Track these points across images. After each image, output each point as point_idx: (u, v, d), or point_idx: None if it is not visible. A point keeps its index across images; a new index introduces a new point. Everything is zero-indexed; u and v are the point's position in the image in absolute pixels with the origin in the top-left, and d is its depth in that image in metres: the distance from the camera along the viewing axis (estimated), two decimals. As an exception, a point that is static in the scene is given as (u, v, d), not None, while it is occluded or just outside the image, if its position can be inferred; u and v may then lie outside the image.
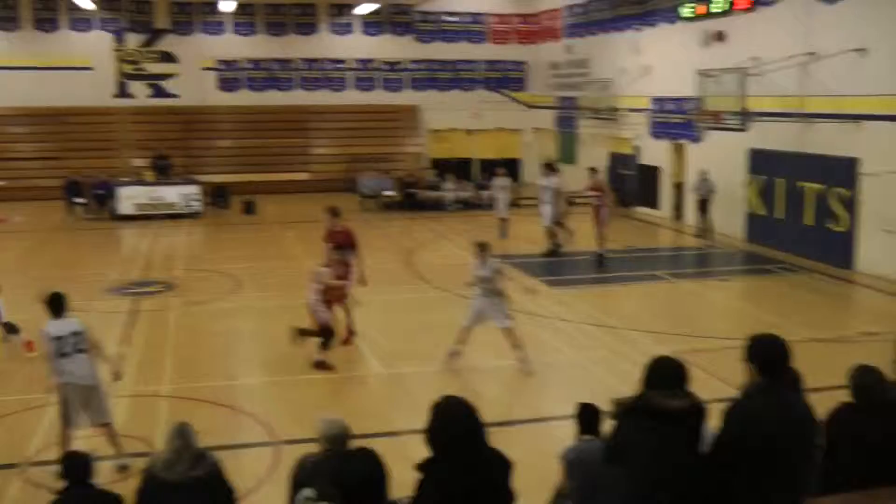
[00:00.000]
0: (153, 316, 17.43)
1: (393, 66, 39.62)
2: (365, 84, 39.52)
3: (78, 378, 9.96)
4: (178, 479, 6.38)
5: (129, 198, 30.64)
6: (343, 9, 38.72)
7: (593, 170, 23.96)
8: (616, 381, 12.25)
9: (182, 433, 6.64)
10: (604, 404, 6.85)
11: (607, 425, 6.37)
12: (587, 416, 6.93)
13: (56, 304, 10.13)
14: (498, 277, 13.46)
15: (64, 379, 9.92)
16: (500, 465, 5.64)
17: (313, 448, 6.63)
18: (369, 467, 4.91)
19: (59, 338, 9.89)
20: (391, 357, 14.33)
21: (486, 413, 5.74)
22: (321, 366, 13.62)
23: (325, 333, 13.72)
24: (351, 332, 15.24)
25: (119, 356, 14.49)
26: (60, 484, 6.72)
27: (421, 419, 5.69)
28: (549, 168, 24.15)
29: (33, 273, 21.18)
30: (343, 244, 15.11)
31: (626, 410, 5.88)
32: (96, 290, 19.43)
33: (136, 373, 13.86)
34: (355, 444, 6.49)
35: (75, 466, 6.71)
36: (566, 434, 7.46)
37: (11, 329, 14.98)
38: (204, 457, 6.60)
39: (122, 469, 10.11)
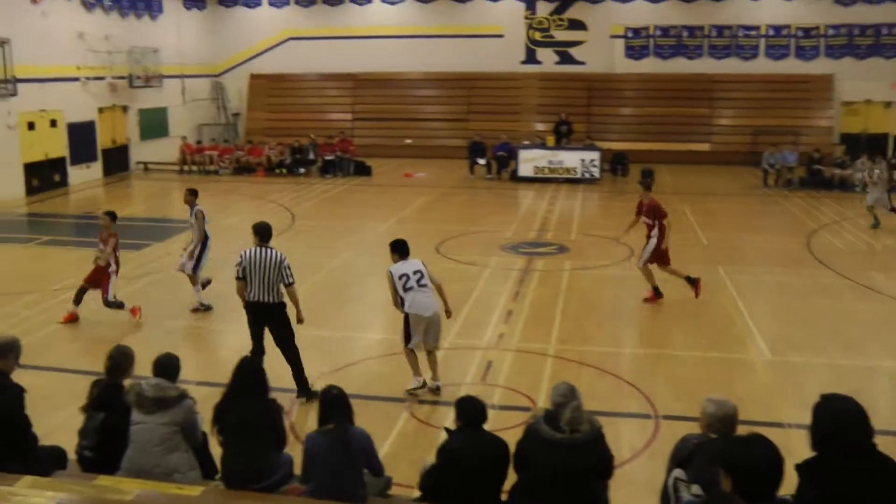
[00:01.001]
0: (545, 276, 17.87)
1: (808, 32, 37.27)
2: (777, 52, 37.63)
3: (419, 309, 11.15)
4: (562, 438, 6.47)
5: (529, 160, 31.55)
6: (759, -28, 37.21)
7: None
8: None
9: (575, 393, 6.75)
10: None
11: None
12: None
13: (400, 248, 11.60)
14: None
15: (408, 309, 11.17)
16: (893, 475, 5.17)
17: (695, 428, 6.49)
18: (766, 456, 4.63)
19: (403, 275, 11.24)
20: (781, 343, 13.63)
21: (876, 419, 5.31)
22: None
23: None
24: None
25: (507, 312, 15.06)
26: (454, 424, 7.04)
27: (807, 413, 5.37)
28: None
29: (432, 225, 22.52)
30: (646, 215, 15.88)
31: None
32: (493, 246, 20.30)
33: (524, 329, 14.31)
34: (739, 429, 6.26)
35: (471, 410, 7.01)
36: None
37: (119, 305, 14.77)
38: (590, 420, 6.66)
39: (435, 391, 11.42)
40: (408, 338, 11.29)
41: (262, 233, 11.55)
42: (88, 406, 7.51)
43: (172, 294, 16.37)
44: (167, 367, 7.44)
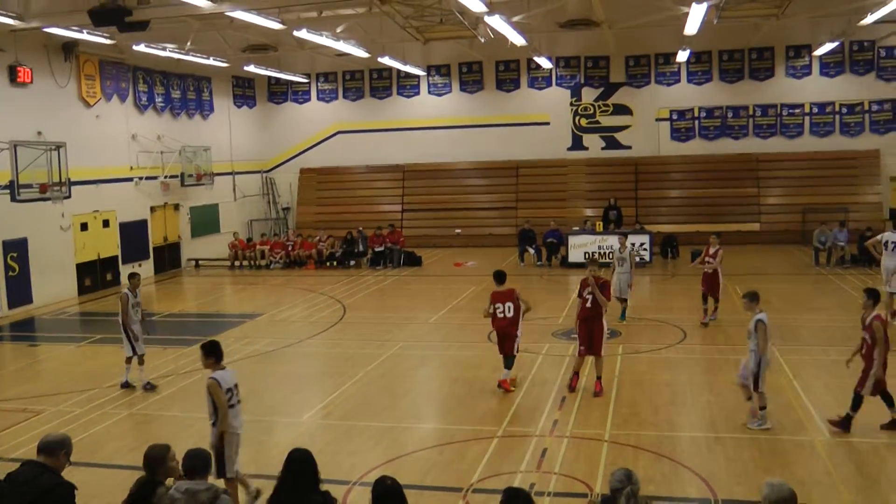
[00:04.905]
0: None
1: (852, 108, 37.26)
2: (822, 129, 37.56)
3: (238, 427, 10.33)
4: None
5: (580, 246, 31.50)
6: (801, 50, 37.34)
7: None
8: None
9: (632, 479, 6.62)
10: None
11: None
12: None
13: (216, 352, 10.39)
14: None
15: (232, 429, 10.22)
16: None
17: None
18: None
19: (229, 389, 10.21)
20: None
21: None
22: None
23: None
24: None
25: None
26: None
27: (874, 496, 5.23)
28: None
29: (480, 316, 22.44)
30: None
31: None
32: (545, 334, 20.22)
33: (578, 415, 14.18)
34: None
35: (517, 499, 6.79)
36: None
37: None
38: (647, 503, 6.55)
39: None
40: (222, 464, 10.11)
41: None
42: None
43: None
44: (194, 464, 7.26)
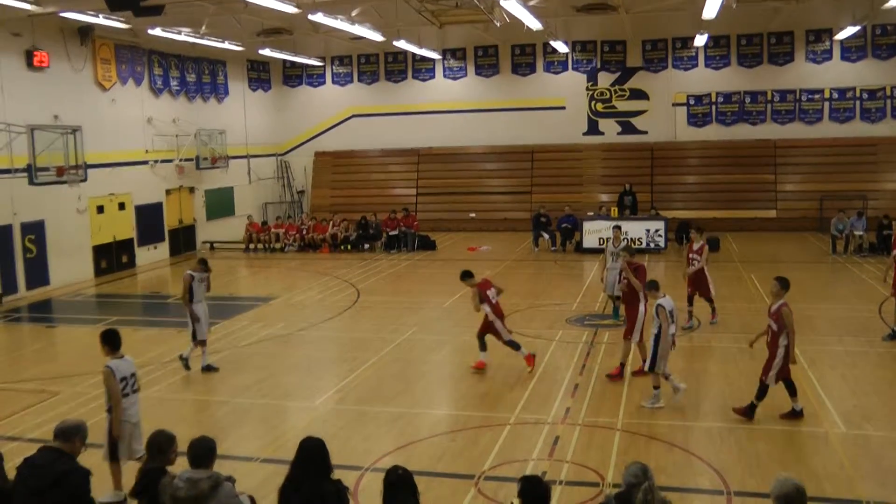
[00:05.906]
0: (611, 348, 17.66)
1: (873, 93, 36.89)
2: (841, 115, 37.22)
3: (131, 416, 10.35)
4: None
5: (594, 232, 31.36)
6: (822, 34, 36.93)
7: None
8: None
9: (648, 473, 6.60)
10: None
11: None
12: None
13: (112, 340, 10.49)
14: None
15: (125, 417, 10.25)
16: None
17: (766, 505, 6.33)
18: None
19: (124, 378, 10.25)
20: (855, 415, 13.26)
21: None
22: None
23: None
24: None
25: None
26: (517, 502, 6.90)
27: (889, 490, 5.19)
28: None
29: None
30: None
31: None
32: (558, 320, 20.20)
33: (591, 403, 14.14)
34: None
35: (532, 491, 6.78)
36: None
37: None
38: (662, 501, 6.53)
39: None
40: (114, 448, 10.26)
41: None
42: (132, 492, 7.50)
43: (238, 371, 16.52)
44: (197, 453, 7.19)
